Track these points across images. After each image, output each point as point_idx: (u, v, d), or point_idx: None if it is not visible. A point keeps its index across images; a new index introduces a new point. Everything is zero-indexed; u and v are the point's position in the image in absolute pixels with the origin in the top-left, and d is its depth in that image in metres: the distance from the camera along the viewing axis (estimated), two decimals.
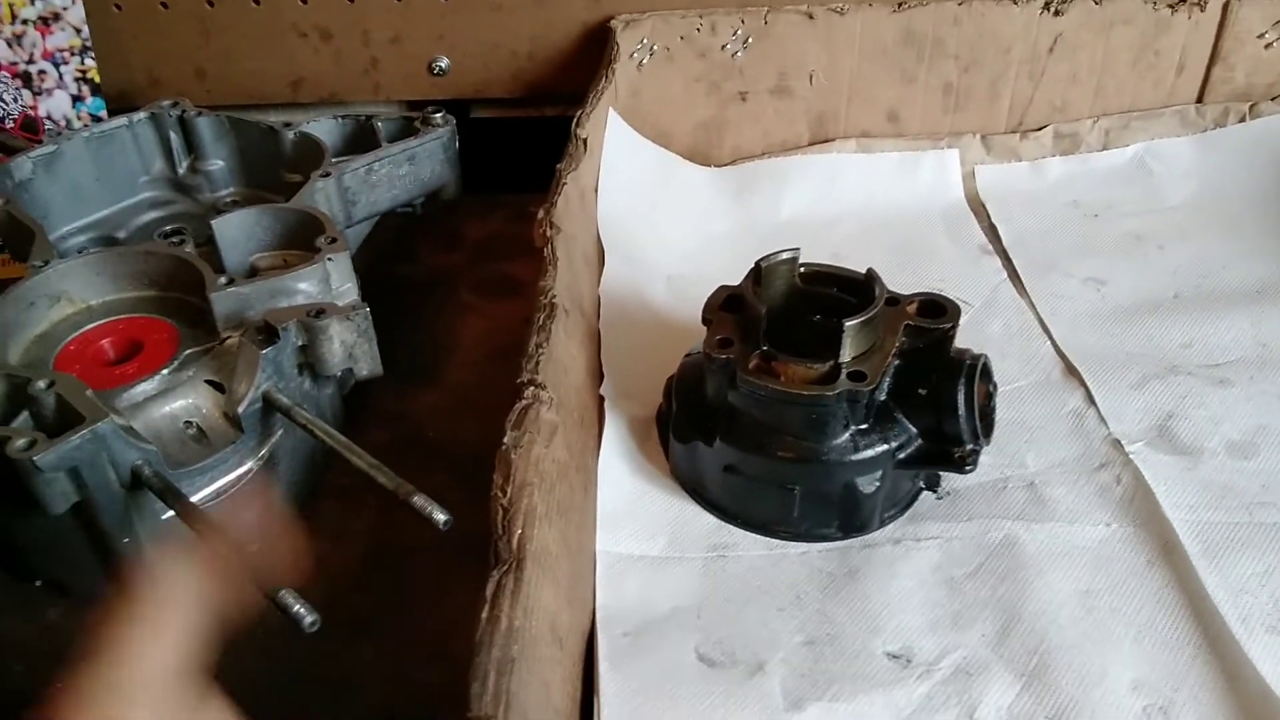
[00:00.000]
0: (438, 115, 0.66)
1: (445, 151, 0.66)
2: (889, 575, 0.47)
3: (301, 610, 0.39)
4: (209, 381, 0.50)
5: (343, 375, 0.53)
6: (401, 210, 0.67)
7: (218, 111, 0.66)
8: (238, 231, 0.56)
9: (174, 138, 0.66)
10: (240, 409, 0.48)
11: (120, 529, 0.46)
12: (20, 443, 0.42)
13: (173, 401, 0.49)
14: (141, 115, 0.66)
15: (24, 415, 0.46)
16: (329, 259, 0.53)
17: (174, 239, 0.61)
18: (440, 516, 0.42)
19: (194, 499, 0.47)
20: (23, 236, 0.57)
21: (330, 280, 0.53)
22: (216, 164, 0.67)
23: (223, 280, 0.52)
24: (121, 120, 0.65)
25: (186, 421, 0.49)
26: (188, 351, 0.51)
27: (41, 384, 0.45)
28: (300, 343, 0.50)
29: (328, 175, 0.60)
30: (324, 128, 0.66)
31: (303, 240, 0.55)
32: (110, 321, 0.54)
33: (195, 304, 0.53)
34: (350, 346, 0.51)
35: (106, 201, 0.66)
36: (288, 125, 0.64)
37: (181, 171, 0.67)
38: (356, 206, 0.62)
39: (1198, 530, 0.47)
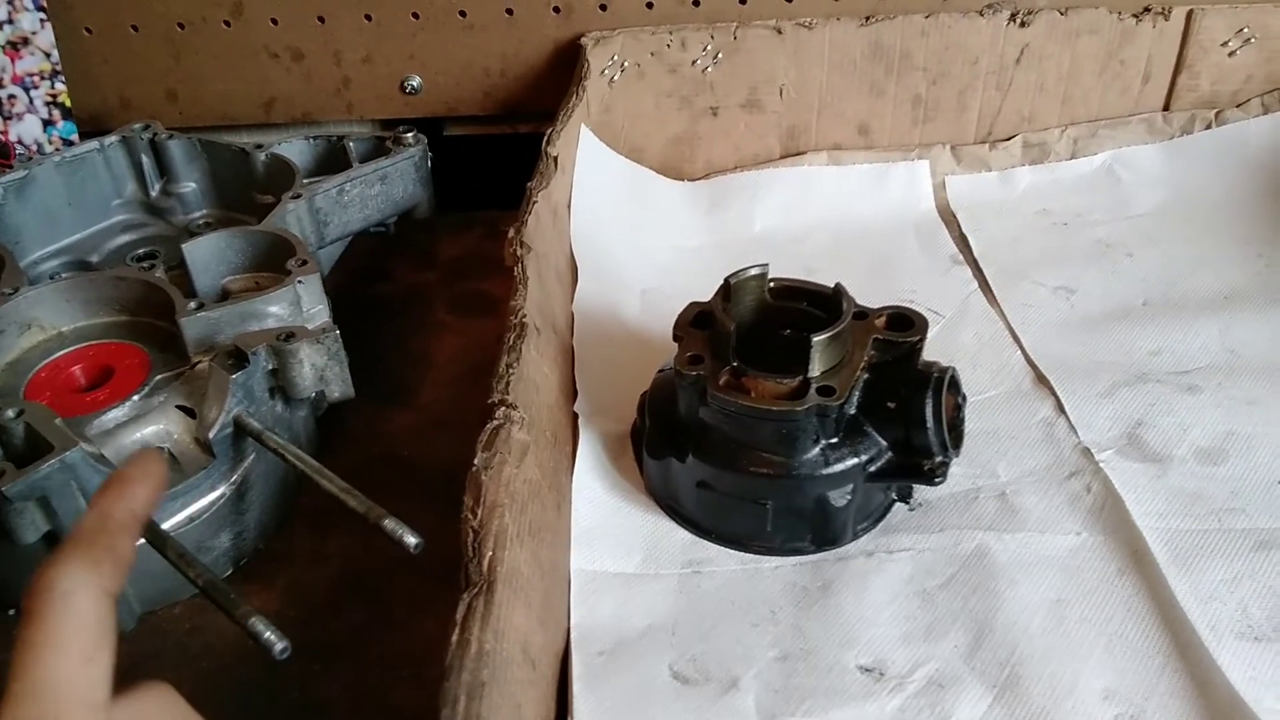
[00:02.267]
0: (409, 135, 0.66)
1: (417, 170, 0.66)
2: (862, 588, 0.47)
3: (271, 637, 0.39)
4: (180, 407, 0.50)
5: (315, 398, 0.53)
6: (375, 230, 0.67)
7: (190, 133, 0.66)
8: (208, 255, 0.56)
9: (146, 161, 0.66)
10: (211, 434, 0.48)
11: None
12: None
13: (144, 427, 0.49)
14: (113, 138, 0.66)
15: None
16: (299, 281, 0.53)
17: (146, 263, 0.61)
18: (411, 540, 0.42)
19: (167, 525, 0.47)
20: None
21: (301, 303, 0.53)
22: (189, 186, 0.68)
23: (192, 305, 0.52)
24: (93, 144, 0.65)
25: (158, 448, 0.49)
26: (159, 377, 0.51)
27: (10, 413, 0.45)
28: (270, 367, 0.50)
29: (298, 197, 0.60)
30: (296, 149, 0.67)
31: (274, 262, 0.55)
32: (81, 348, 0.54)
33: (166, 329, 0.53)
34: (321, 369, 0.51)
35: (79, 226, 0.66)
36: (259, 147, 0.64)
37: (154, 194, 0.67)
38: (329, 227, 0.62)
39: (1167, 538, 0.47)
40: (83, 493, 0.44)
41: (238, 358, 0.49)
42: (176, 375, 0.51)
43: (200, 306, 0.52)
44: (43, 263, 0.64)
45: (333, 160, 0.67)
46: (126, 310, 0.55)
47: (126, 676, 0.45)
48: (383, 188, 0.64)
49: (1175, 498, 0.50)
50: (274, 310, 0.52)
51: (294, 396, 0.52)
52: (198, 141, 0.66)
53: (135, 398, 0.50)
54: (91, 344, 0.54)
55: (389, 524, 0.42)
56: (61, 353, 0.54)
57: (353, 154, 0.66)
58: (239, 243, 0.56)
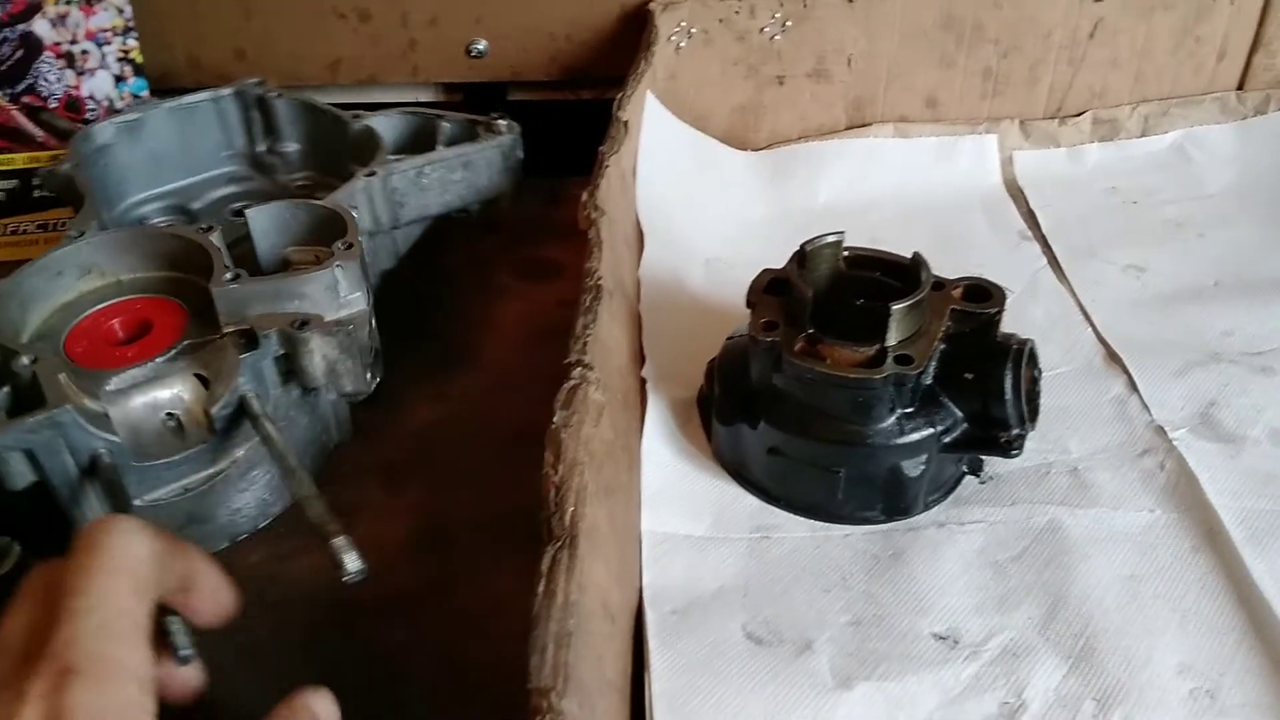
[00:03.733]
0: (502, 122, 0.64)
1: (505, 160, 0.64)
2: (934, 558, 0.47)
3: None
4: (198, 375, 0.49)
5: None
6: (456, 214, 0.65)
7: (298, 94, 0.67)
8: (270, 223, 0.56)
9: (255, 116, 0.67)
10: (214, 410, 0.47)
11: (77, 510, 0.46)
12: None
13: (159, 390, 0.48)
14: (226, 91, 0.67)
15: (6, 389, 0.46)
16: (338, 265, 0.52)
17: (238, 219, 0.61)
18: (352, 567, 0.40)
19: (160, 493, 0.47)
20: (79, 202, 0.58)
21: (338, 287, 0.52)
22: (292, 146, 0.68)
23: (228, 276, 0.51)
24: (206, 94, 0.66)
25: (169, 413, 0.48)
26: (187, 342, 0.51)
27: (25, 360, 0.46)
28: (281, 352, 0.50)
29: (373, 175, 0.59)
30: (390, 123, 0.66)
31: (335, 238, 0.54)
32: (128, 300, 0.54)
33: (209, 292, 0.53)
34: (333, 362, 0.50)
35: (185, 173, 0.67)
36: (357, 116, 0.64)
37: (260, 150, 0.68)
38: (405, 208, 0.61)
39: (1242, 517, 0.47)
40: (70, 450, 0.44)
41: (249, 339, 0.49)
42: (204, 343, 0.51)
43: (236, 278, 0.51)
44: (145, 204, 0.66)
45: (426, 137, 0.66)
46: (180, 268, 0.55)
47: None
48: (466, 174, 0.63)
49: (1250, 478, 0.50)
50: (308, 291, 0.51)
51: (305, 385, 0.51)
52: (302, 103, 0.66)
53: (159, 359, 0.50)
54: (138, 297, 0.54)
55: (338, 542, 0.40)
56: (109, 302, 0.54)
57: (443, 135, 0.65)
58: (300, 214, 0.56)
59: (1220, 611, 0.44)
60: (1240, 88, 0.75)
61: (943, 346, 0.48)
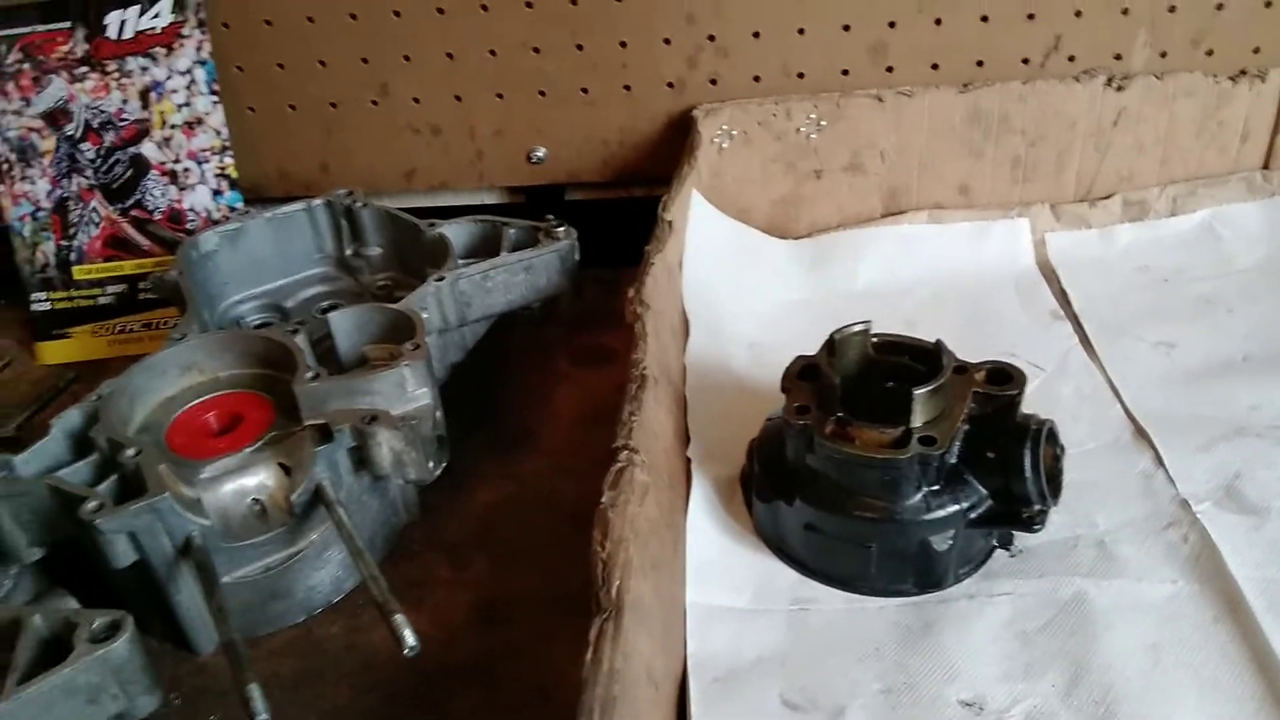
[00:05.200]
0: (560, 229, 0.70)
1: (563, 263, 0.70)
2: (963, 629, 0.50)
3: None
4: (281, 464, 0.55)
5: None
6: (520, 312, 0.70)
7: (380, 203, 0.73)
8: (350, 325, 0.62)
9: (343, 224, 0.74)
10: (294, 497, 0.53)
11: (172, 586, 0.51)
12: (90, 505, 0.49)
13: (246, 478, 0.54)
14: (318, 201, 0.74)
15: (114, 477, 0.52)
16: (406, 365, 0.57)
17: (324, 317, 0.67)
18: (410, 642, 0.44)
19: (243, 571, 0.53)
20: (183, 305, 0.65)
21: (406, 384, 0.57)
22: (376, 251, 0.75)
23: (309, 375, 0.57)
24: (300, 205, 0.74)
25: (254, 499, 0.54)
26: (273, 434, 0.56)
27: (130, 452, 0.52)
28: (354, 444, 0.55)
29: (441, 280, 0.65)
30: (461, 229, 0.72)
31: (407, 337, 0.60)
32: (223, 395, 0.60)
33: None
34: (399, 453, 0.55)
35: (280, 274, 0.74)
36: (432, 224, 0.70)
37: (348, 253, 0.75)
38: (471, 308, 0.67)
39: (1263, 588, 0.49)
40: (167, 533, 0.50)
41: (325, 432, 0.54)
42: (289, 434, 0.56)
43: (315, 377, 0.56)
44: (243, 304, 0.73)
45: (493, 242, 0.71)
46: (270, 365, 0.61)
47: (289, 688, 0.52)
48: (527, 276, 0.68)
49: (1273, 549, 0.51)
50: (379, 388, 0.57)
51: (375, 474, 0.56)
52: (384, 212, 0.73)
53: (248, 450, 0.56)
54: (232, 392, 0.60)
55: (398, 619, 0.45)
56: (206, 397, 0.60)
57: (507, 240, 0.71)
58: (376, 316, 0.62)
59: (1239, 681, 0.45)
60: (1266, 167, 0.77)
61: (966, 427, 0.51)
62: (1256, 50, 0.75)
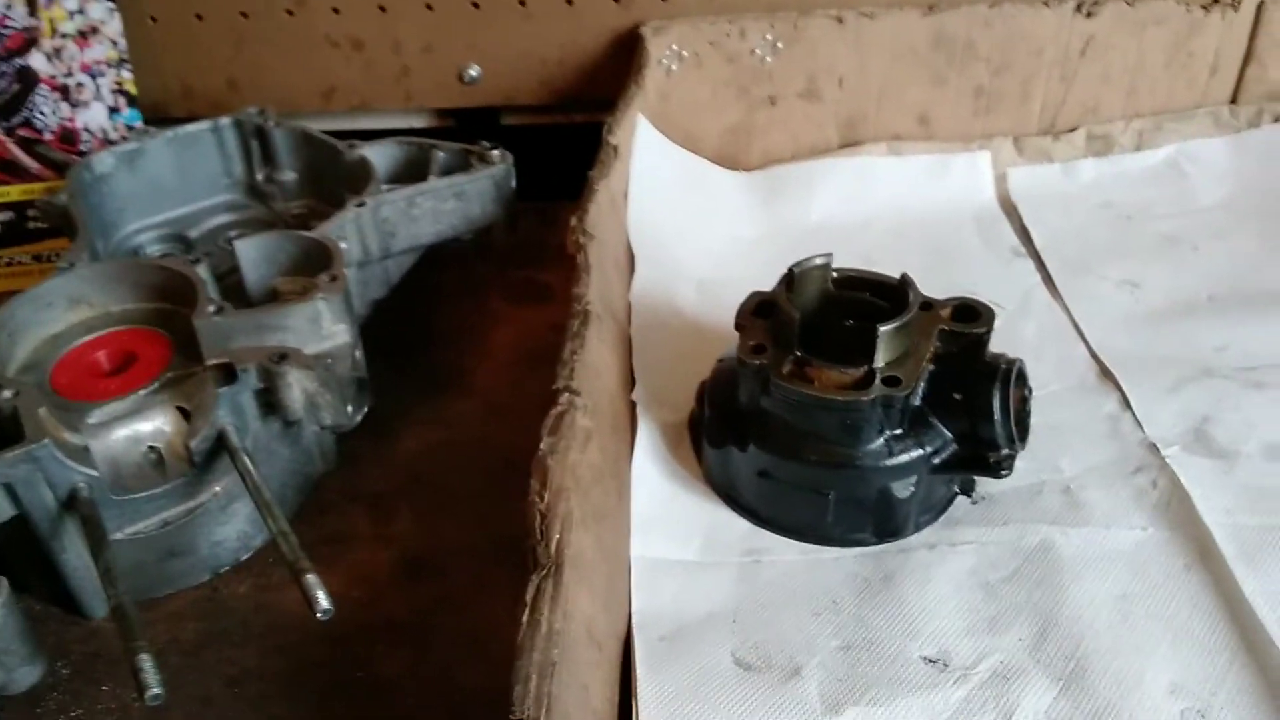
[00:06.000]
0: (495, 152, 0.64)
1: (498, 190, 0.64)
2: (924, 580, 0.47)
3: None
4: (180, 408, 0.50)
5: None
6: (449, 243, 0.65)
7: (295, 123, 0.67)
8: (259, 254, 0.56)
9: (254, 145, 0.68)
10: (193, 443, 0.48)
11: (56, 544, 0.46)
12: None
13: (140, 423, 0.49)
14: (226, 120, 0.67)
15: None
16: (321, 298, 0.52)
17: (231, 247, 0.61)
18: (323, 604, 0.40)
19: (137, 527, 0.48)
20: (75, 233, 0.59)
21: (321, 320, 0.52)
22: (290, 175, 0.69)
23: (211, 308, 0.51)
24: (206, 124, 0.67)
25: (150, 446, 0.49)
26: (170, 375, 0.51)
27: (7, 393, 0.46)
28: (260, 386, 0.50)
29: (363, 205, 0.59)
30: (385, 152, 0.66)
31: (323, 268, 0.55)
32: (115, 331, 0.54)
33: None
34: (312, 396, 0.50)
35: (184, 201, 0.68)
36: (352, 146, 0.64)
37: (259, 179, 0.69)
38: (395, 239, 0.62)
39: (1234, 533, 0.47)
40: (49, 484, 0.45)
41: (229, 372, 0.49)
42: (188, 375, 0.51)
43: (219, 311, 0.51)
44: (142, 233, 0.66)
45: (420, 166, 0.66)
46: (169, 299, 0.55)
47: (193, 651, 0.47)
48: (458, 204, 0.63)
49: (1243, 494, 0.49)
50: (291, 324, 0.52)
51: (285, 419, 0.51)
52: (300, 132, 0.67)
53: (142, 392, 0.50)
54: (126, 328, 0.55)
55: (309, 579, 0.41)
56: (97, 334, 0.54)
57: (436, 165, 0.65)
58: (288, 245, 0.57)
59: (1212, 630, 0.44)
60: (1234, 101, 0.75)
61: (931, 367, 0.48)
62: None
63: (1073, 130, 0.74)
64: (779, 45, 0.71)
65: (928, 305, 0.49)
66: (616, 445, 0.52)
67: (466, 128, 0.79)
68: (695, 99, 0.73)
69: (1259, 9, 0.71)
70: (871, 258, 0.66)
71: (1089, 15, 0.70)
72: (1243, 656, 0.42)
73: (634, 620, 0.46)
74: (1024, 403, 0.49)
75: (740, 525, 0.51)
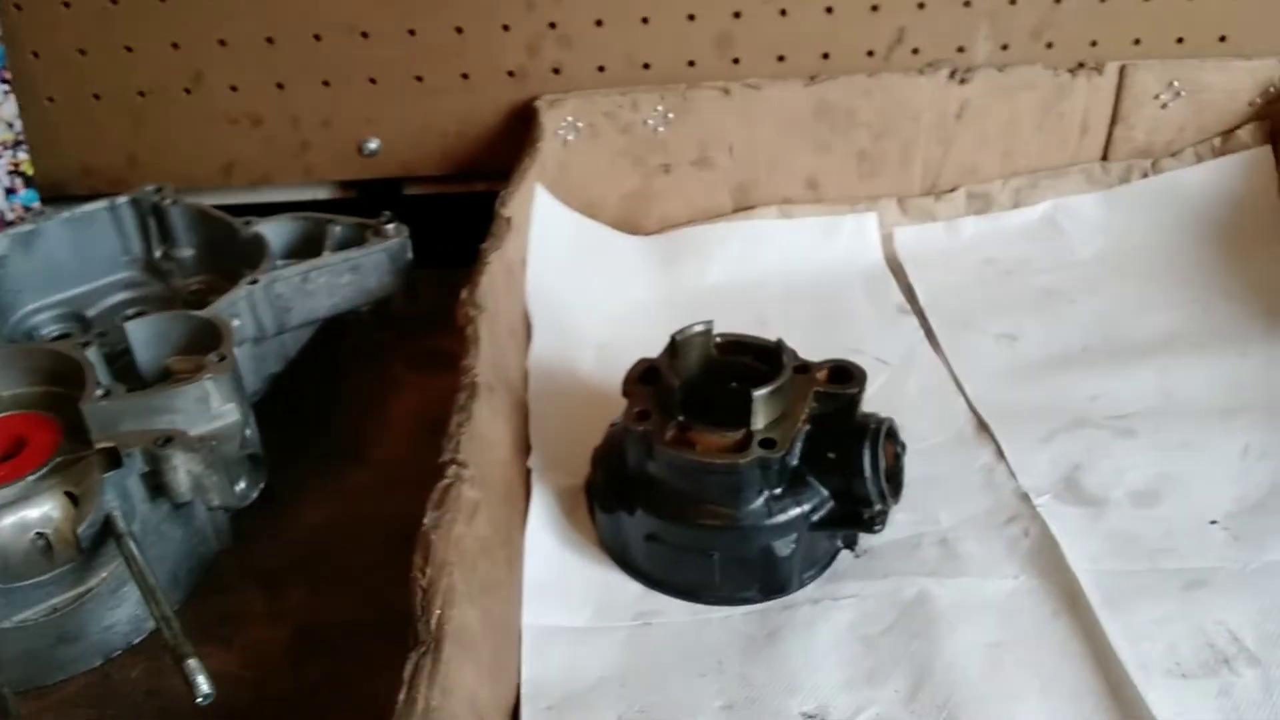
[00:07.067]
0: (390, 225, 0.65)
1: (394, 263, 0.65)
2: (808, 635, 0.48)
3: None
4: (68, 493, 0.49)
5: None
6: (346, 316, 0.66)
7: (192, 200, 0.67)
8: (149, 335, 0.56)
9: (151, 223, 0.68)
10: (80, 529, 0.47)
11: None
12: None
13: (28, 510, 0.48)
14: (123, 199, 0.67)
15: None
16: (209, 378, 0.52)
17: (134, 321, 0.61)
18: (204, 689, 0.40)
19: (26, 614, 0.47)
20: None
21: (209, 400, 0.52)
22: (188, 252, 0.69)
23: (98, 392, 0.51)
24: (103, 202, 0.67)
25: (38, 533, 0.48)
26: (59, 459, 0.51)
27: None
28: (146, 469, 0.50)
29: (255, 283, 0.60)
30: (280, 228, 0.67)
31: (213, 347, 0.55)
32: (6, 416, 0.54)
33: None
34: (198, 477, 0.50)
35: (81, 280, 0.67)
36: (248, 222, 0.65)
37: (157, 256, 0.69)
38: (290, 313, 0.62)
39: (1100, 580, 0.49)
40: None
41: (112, 457, 0.49)
42: (76, 459, 0.51)
43: (106, 394, 0.51)
44: (39, 313, 0.66)
45: (316, 241, 0.66)
46: (59, 383, 0.55)
47: None
48: (354, 277, 0.63)
49: (1109, 540, 0.51)
50: (179, 405, 0.52)
51: (173, 501, 0.51)
52: (196, 210, 0.67)
53: (30, 478, 0.50)
54: (16, 413, 0.54)
55: (191, 664, 0.41)
56: None
57: (332, 239, 0.66)
58: (179, 325, 0.57)
59: (1078, 676, 0.45)
60: (1104, 158, 0.78)
61: (807, 428, 0.50)
62: (1094, 44, 0.76)
63: (953, 190, 0.77)
64: (670, 116, 0.74)
65: (803, 368, 0.51)
66: (509, 514, 0.52)
67: (369, 198, 0.80)
68: (593, 168, 0.75)
69: (1121, 73, 0.75)
70: (765, 316, 0.69)
71: (962, 82, 0.74)
72: (1107, 700, 0.44)
73: (523, 690, 0.46)
74: (897, 459, 0.51)
75: (633, 588, 0.52)
